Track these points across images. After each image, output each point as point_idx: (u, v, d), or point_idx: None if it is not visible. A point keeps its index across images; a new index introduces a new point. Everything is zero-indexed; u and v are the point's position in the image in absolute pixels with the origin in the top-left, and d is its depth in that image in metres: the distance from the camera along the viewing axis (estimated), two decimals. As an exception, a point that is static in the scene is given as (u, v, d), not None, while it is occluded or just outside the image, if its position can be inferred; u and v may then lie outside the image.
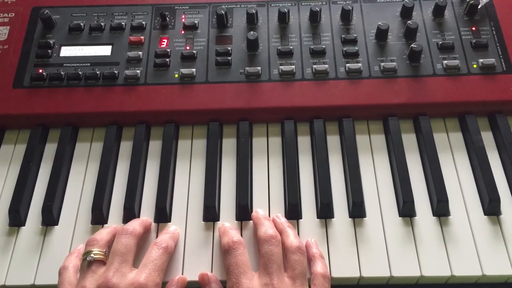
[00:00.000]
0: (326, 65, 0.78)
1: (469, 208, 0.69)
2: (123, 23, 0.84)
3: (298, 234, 0.68)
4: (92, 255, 0.61)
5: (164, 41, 0.82)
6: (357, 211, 0.68)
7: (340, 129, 0.77)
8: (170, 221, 0.69)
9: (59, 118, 0.77)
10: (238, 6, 0.85)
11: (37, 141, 0.76)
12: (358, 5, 0.85)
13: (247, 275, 0.60)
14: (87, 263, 0.61)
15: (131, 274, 0.59)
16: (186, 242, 0.68)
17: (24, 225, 0.70)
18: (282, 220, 0.68)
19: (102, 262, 0.61)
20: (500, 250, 0.65)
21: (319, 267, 0.63)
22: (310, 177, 0.73)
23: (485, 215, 0.68)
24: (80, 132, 0.79)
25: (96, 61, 0.80)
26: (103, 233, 0.65)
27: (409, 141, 0.75)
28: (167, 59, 0.80)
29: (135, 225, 0.65)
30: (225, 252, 0.62)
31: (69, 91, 0.78)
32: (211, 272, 0.65)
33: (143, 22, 0.84)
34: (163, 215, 0.69)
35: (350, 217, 0.69)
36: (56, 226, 0.70)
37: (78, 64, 0.80)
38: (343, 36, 0.81)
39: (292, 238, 0.64)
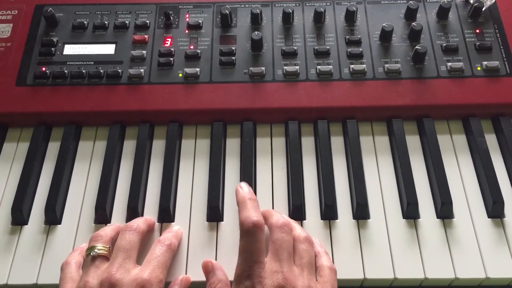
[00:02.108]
0: (330, 66, 0.78)
1: (473, 211, 0.69)
2: (127, 22, 0.83)
3: (302, 235, 0.67)
4: (95, 250, 0.61)
5: (168, 40, 0.82)
6: (361, 212, 0.68)
7: (344, 130, 0.77)
8: (173, 221, 0.69)
9: (62, 116, 0.77)
10: (243, 6, 0.85)
11: (40, 139, 0.76)
12: (363, 6, 0.85)
13: (260, 263, 0.58)
14: (91, 258, 0.61)
15: (134, 270, 0.59)
16: (189, 242, 0.67)
17: (26, 224, 0.70)
18: (287, 218, 0.67)
19: (105, 257, 0.61)
20: (504, 253, 0.66)
21: (325, 260, 0.63)
22: (314, 178, 0.73)
23: (488, 217, 0.69)
24: (83, 131, 0.78)
25: (99, 59, 0.80)
26: (107, 230, 0.65)
27: (413, 143, 0.76)
28: (171, 58, 0.80)
29: (139, 222, 0.65)
30: (243, 232, 0.59)
31: (72, 89, 0.78)
32: (215, 273, 0.65)
33: (147, 21, 0.83)
34: (166, 214, 0.69)
35: (354, 218, 0.69)
36: (59, 225, 0.69)
37: (82, 63, 0.80)
38: (348, 37, 0.81)
39: (299, 230, 0.64)
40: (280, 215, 0.65)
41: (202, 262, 0.63)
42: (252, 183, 0.71)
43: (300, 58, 0.80)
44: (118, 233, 0.64)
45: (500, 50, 0.80)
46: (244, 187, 0.65)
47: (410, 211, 0.68)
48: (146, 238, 0.66)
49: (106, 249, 0.61)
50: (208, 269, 0.63)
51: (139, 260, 0.62)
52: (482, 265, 0.65)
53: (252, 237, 0.59)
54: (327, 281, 0.60)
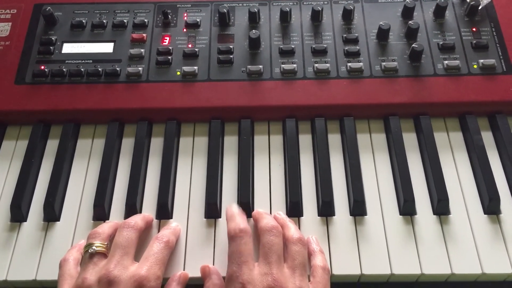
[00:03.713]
0: (328, 64, 0.79)
1: (469, 207, 0.69)
2: (125, 21, 0.84)
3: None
4: (94, 247, 0.61)
5: (166, 39, 0.82)
6: (358, 209, 0.69)
7: (341, 127, 0.77)
8: (171, 218, 0.70)
9: (61, 114, 0.77)
10: (240, 4, 0.86)
11: (38, 137, 0.76)
12: (360, 5, 0.85)
13: (248, 264, 0.59)
14: (89, 255, 0.61)
15: (132, 266, 0.59)
16: (187, 238, 0.68)
17: (25, 221, 0.70)
18: (283, 216, 0.68)
19: (103, 254, 0.61)
20: (499, 249, 0.66)
21: (318, 260, 0.63)
22: (311, 175, 0.73)
23: (485, 214, 0.69)
24: (82, 129, 0.79)
25: (98, 58, 0.81)
26: (105, 227, 0.65)
27: (410, 140, 0.76)
28: (169, 57, 0.80)
29: (137, 219, 0.65)
30: (230, 239, 0.62)
31: (71, 87, 0.78)
32: (213, 268, 0.65)
33: (145, 20, 0.84)
34: (164, 211, 0.70)
35: (351, 215, 0.69)
36: (57, 222, 0.70)
37: (80, 61, 0.80)
38: (345, 35, 0.82)
39: (293, 231, 0.64)
40: (270, 217, 0.66)
41: (200, 267, 0.64)
42: (250, 180, 0.72)
43: (298, 57, 0.80)
44: (116, 230, 0.64)
45: (497, 48, 0.80)
46: (234, 206, 0.67)
47: (407, 208, 0.69)
48: (144, 235, 0.67)
49: (104, 246, 0.62)
50: (205, 274, 0.63)
51: (137, 256, 0.63)
52: (478, 261, 0.65)
53: (238, 241, 0.61)
54: (320, 281, 0.61)
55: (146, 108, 0.76)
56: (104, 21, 0.84)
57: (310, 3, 0.85)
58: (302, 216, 0.69)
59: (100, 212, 0.70)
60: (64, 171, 0.73)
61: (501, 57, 0.79)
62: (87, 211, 0.71)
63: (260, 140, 0.77)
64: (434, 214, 0.69)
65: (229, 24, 0.84)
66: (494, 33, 0.82)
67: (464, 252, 0.66)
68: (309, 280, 0.61)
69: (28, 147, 0.75)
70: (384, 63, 0.78)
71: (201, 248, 0.67)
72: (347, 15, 0.83)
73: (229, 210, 0.66)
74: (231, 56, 0.80)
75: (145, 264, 0.59)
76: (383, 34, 0.81)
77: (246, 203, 0.69)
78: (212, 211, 0.69)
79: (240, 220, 0.64)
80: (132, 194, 0.70)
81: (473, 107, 0.77)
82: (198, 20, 0.84)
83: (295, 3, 0.86)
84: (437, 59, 0.79)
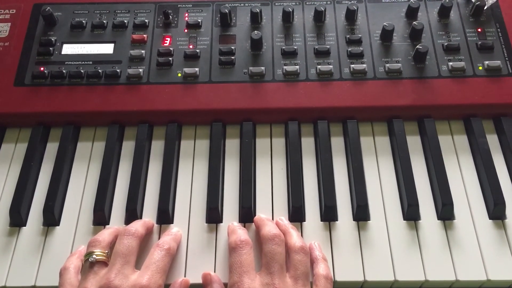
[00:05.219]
0: (331, 66, 0.78)
1: (474, 212, 0.69)
2: (125, 21, 0.83)
3: (302, 236, 0.67)
4: (94, 256, 0.60)
5: (167, 40, 0.81)
6: (361, 214, 0.68)
7: (344, 130, 0.76)
8: (172, 223, 0.69)
9: (61, 117, 0.76)
10: (242, 5, 0.85)
11: (38, 140, 0.75)
12: (363, 5, 0.84)
13: (249, 274, 0.59)
14: (89, 264, 0.60)
15: (133, 275, 0.59)
16: (188, 244, 0.67)
17: (25, 226, 0.69)
18: (285, 222, 0.67)
19: (104, 263, 0.61)
20: (505, 255, 0.65)
21: (321, 268, 0.62)
22: (314, 179, 0.72)
23: (490, 219, 0.68)
24: (82, 131, 0.78)
25: (98, 59, 0.80)
26: (105, 234, 0.64)
27: (414, 143, 0.75)
28: (170, 58, 0.79)
29: (137, 226, 0.64)
30: (231, 250, 0.62)
31: (70, 89, 0.77)
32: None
33: (146, 20, 0.83)
34: (165, 216, 0.69)
35: (354, 220, 0.68)
36: (57, 227, 0.69)
37: (80, 62, 0.79)
38: (348, 36, 0.80)
39: (295, 238, 0.64)
40: (272, 225, 0.65)
41: (201, 274, 0.64)
42: (252, 184, 0.71)
43: (300, 58, 0.79)
44: (116, 237, 0.64)
45: (502, 49, 0.79)
46: (234, 222, 0.68)
47: (411, 213, 0.68)
48: (145, 240, 0.66)
49: (104, 254, 0.61)
50: (206, 281, 0.63)
51: (138, 263, 0.62)
52: (483, 267, 0.64)
53: (239, 251, 0.61)
54: None
55: (147, 111, 0.76)
56: (104, 21, 0.83)
57: (312, 3, 0.84)
58: (305, 221, 0.69)
59: (100, 217, 0.69)
60: (64, 175, 0.73)
61: (506, 58, 0.78)
62: (87, 216, 0.70)
63: (262, 143, 0.76)
64: (438, 219, 0.68)
65: (230, 25, 0.83)
66: (500, 34, 0.81)
67: (468, 258, 0.65)
68: (311, 288, 0.61)
69: (27, 150, 0.75)
70: (388, 65, 0.77)
71: (203, 253, 0.66)
72: (350, 15, 0.82)
73: (230, 225, 0.67)
74: (232, 57, 0.79)
75: (146, 273, 0.58)
76: (387, 35, 0.80)
77: (247, 207, 0.68)
78: (214, 216, 0.68)
79: (241, 232, 0.64)
80: (132, 199, 0.69)
81: (478, 110, 0.76)
82: (199, 20, 0.83)
83: (297, 3, 0.85)
84: (441, 61, 0.78)
